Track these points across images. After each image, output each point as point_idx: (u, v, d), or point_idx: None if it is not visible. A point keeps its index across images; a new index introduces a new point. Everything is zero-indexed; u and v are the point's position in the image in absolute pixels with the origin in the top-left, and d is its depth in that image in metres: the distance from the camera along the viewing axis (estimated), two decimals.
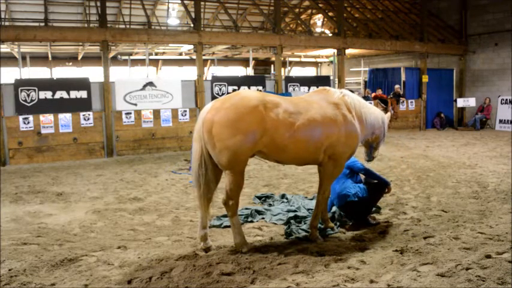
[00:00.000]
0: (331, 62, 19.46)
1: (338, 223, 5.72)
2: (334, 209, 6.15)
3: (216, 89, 14.03)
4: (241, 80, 14.89)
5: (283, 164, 5.33)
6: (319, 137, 4.83)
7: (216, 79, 14.39)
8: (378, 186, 5.80)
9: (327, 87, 5.40)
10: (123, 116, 12.46)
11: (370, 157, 6.08)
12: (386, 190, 5.89)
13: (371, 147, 5.96)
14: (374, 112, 5.53)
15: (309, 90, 15.36)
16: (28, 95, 11.47)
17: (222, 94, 13.91)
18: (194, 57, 14.68)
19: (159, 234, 5.54)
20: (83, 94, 12.11)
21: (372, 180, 5.86)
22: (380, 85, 18.80)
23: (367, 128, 5.39)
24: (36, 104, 11.56)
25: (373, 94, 17.12)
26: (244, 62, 25.57)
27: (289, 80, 15.81)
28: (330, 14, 18.02)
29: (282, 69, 18.07)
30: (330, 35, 18.79)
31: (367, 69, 20.93)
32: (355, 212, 5.74)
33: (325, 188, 5.23)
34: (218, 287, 3.81)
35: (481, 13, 18.22)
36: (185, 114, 13.25)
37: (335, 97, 5.15)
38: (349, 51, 17.41)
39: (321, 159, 5.01)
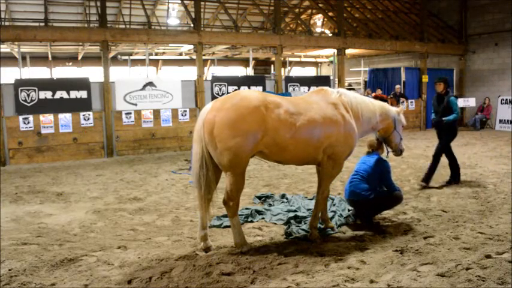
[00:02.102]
0: (331, 62, 19.46)
1: (339, 222, 5.72)
2: (333, 208, 6.13)
3: (216, 89, 14.03)
4: (241, 80, 14.88)
5: (283, 164, 5.33)
6: (319, 137, 4.84)
7: (216, 79, 14.39)
8: (393, 197, 5.73)
9: (325, 87, 5.38)
10: (123, 116, 12.45)
11: (387, 152, 6.03)
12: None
13: (384, 142, 5.88)
14: (370, 107, 5.44)
15: (309, 90, 15.34)
16: (28, 95, 11.47)
17: (222, 94, 13.90)
18: (194, 57, 14.68)
19: (159, 234, 5.53)
20: (82, 94, 12.10)
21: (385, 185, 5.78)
22: (380, 85, 18.80)
23: (363, 124, 5.37)
24: (36, 104, 11.56)
25: (373, 94, 17.11)
26: (244, 62, 25.57)
27: (289, 80, 15.79)
28: (330, 14, 18.01)
29: (282, 69, 18.09)
30: (330, 35, 18.79)
31: (367, 69, 20.92)
32: (366, 209, 5.68)
33: (324, 187, 5.23)
34: (218, 287, 3.81)
35: (481, 13, 18.22)
36: (185, 114, 13.25)
37: (333, 97, 5.16)
38: (349, 51, 17.41)
39: (320, 159, 5.03)
